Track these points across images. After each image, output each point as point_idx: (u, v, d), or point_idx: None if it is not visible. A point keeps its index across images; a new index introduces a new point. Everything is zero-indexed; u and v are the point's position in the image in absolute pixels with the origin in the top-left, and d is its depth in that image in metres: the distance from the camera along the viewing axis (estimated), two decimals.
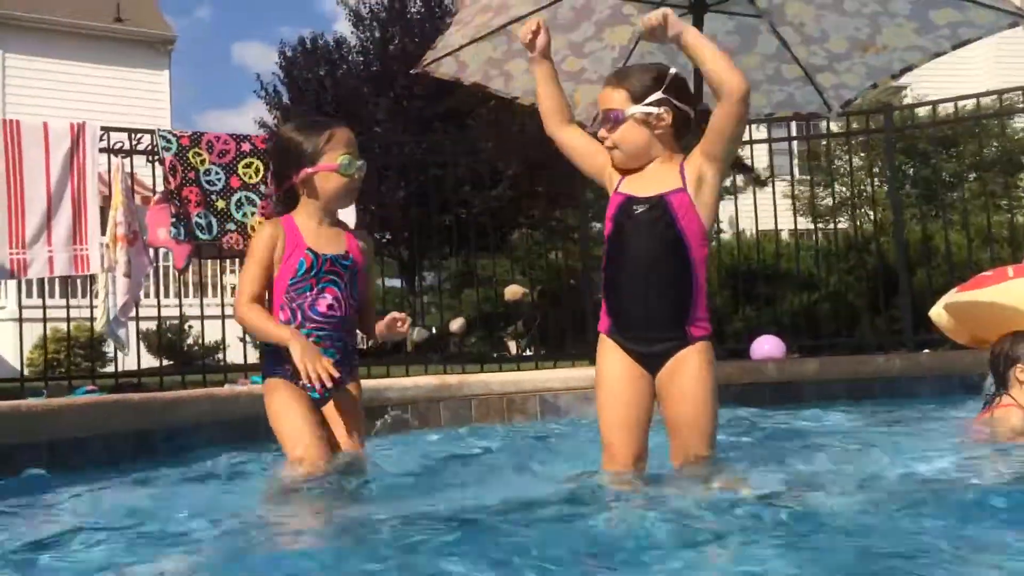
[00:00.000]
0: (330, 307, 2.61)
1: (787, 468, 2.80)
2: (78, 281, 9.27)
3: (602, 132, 2.60)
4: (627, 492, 2.35)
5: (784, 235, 8.75)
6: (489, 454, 3.53)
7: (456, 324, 8.24)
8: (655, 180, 2.55)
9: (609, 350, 2.59)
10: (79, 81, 18.49)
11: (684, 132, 2.60)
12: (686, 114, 2.57)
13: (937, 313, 6.02)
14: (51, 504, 2.52)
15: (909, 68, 4.80)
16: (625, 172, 2.62)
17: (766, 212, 7.45)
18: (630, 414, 2.54)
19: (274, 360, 2.65)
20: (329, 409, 2.69)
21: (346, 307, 2.65)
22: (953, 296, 5.80)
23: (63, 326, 9.96)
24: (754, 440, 3.59)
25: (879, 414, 4.51)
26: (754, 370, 5.80)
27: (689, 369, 2.50)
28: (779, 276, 7.84)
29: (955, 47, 4.55)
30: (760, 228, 7.89)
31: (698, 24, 4.57)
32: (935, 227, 8.18)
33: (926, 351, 6.66)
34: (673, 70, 2.59)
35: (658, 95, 2.52)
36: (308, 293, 2.59)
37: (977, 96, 6.76)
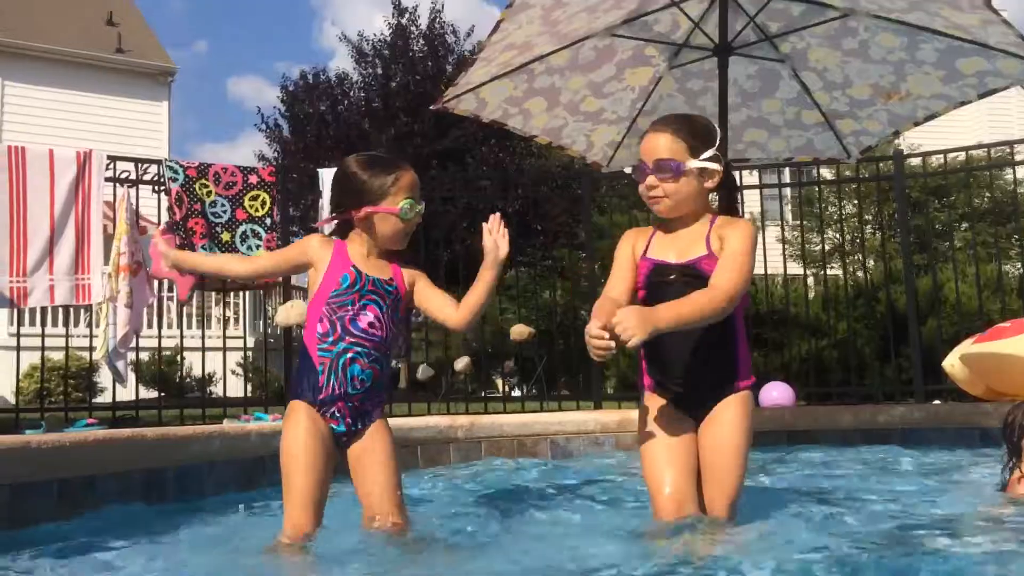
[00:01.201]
0: (371, 324, 2.55)
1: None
2: (72, 310, 9.12)
3: (652, 180, 2.53)
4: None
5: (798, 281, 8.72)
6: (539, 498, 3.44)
7: (461, 363, 8.12)
8: (684, 245, 2.55)
9: (653, 403, 2.58)
10: (78, 111, 18.45)
11: (719, 189, 2.60)
12: (728, 172, 2.60)
13: (951, 364, 5.97)
14: (61, 553, 2.39)
15: (933, 116, 4.78)
16: (658, 230, 2.61)
17: (774, 257, 7.38)
18: (676, 467, 2.51)
19: (305, 377, 2.55)
20: (360, 454, 2.56)
21: (386, 329, 2.57)
22: (969, 347, 5.74)
23: (54, 355, 9.81)
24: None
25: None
26: (771, 418, 5.72)
27: (726, 420, 2.50)
28: (787, 321, 7.78)
29: (981, 96, 4.53)
30: (768, 272, 7.84)
31: (723, 67, 4.55)
32: (944, 276, 8.15)
33: (936, 402, 6.59)
34: (717, 128, 2.61)
35: (713, 151, 2.53)
36: (350, 308, 2.53)
37: (989, 146, 6.77)
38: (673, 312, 2.32)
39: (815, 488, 3.62)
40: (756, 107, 5.14)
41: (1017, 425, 3.17)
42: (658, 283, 2.54)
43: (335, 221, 2.66)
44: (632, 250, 2.63)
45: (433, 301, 2.66)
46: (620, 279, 2.63)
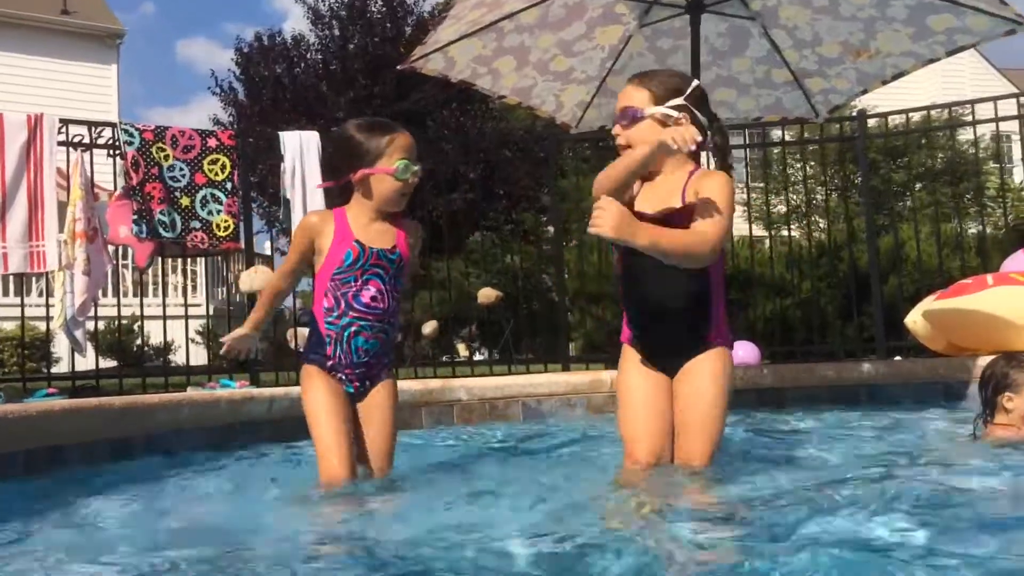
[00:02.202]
0: (373, 299, 2.66)
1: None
2: (24, 279, 8.85)
3: (616, 129, 2.58)
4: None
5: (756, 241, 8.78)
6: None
7: (429, 327, 8.06)
8: (661, 195, 2.55)
9: (630, 358, 2.65)
10: (23, 74, 17.84)
11: (700, 146, 2.57)
12: (702, 127, 2.58)
13: (913, 320, 6.07)
14: (31, 520, 2.32)
15: (901, 74, 4.78)
16: (644, 182, 2.61)
17: (738, 219, 7.38)
18: (651, 417, 2.57)
19: (315, 346, 2.69)
20: (363, 407, 2.71)
21: (389, 299, 2.69)
22: (932, 303, 5.84)
23: (6, 325, 9.58)
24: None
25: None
26: (739, 376, 5.77)
27: (703, 373, 2.55)
28: (752, 282, 7.84)
29: (949, 53, 4.54)
30: (733, 234, 7.88)
31: (695, 24, 4.50)
32: (906, 234, 8.26)
33: (898, 358, 6.71)
34: (696, 82, 2.63)
35: (679, 100, 2.54)
36: (353, 284, 2.64)
37: (948, 106, 6.84)
38: (654, 234, 2.30)
39: (790, 442, 3.65)
40: (726, 66, 5.10)
41: (994, 380, 3.22)
42: None
43: (332, 186, 2.74)
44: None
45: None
46: None
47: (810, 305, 7.64)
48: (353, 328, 2.63)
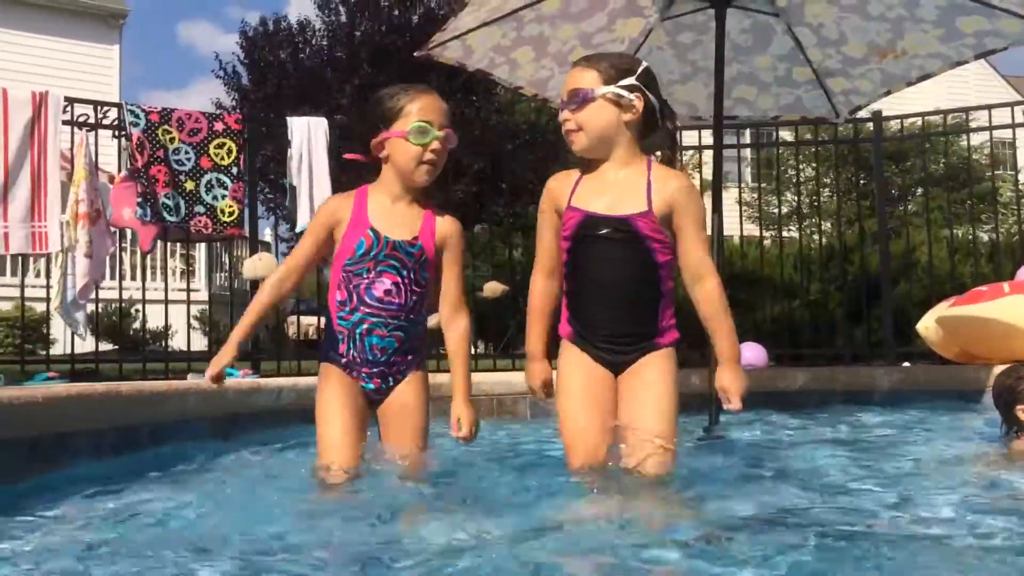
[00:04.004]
0: (387, 292, 2.41)
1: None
2: (20, 259, 8.73)
3: (565, 113, 2.45)
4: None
5: (766, 242, 8.71)
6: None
7: (433, 320, 7.93)
8: (616, 194, 2.42)
9: (573, 354, 2.51)
10: (26, 52, 17.66)
11: (649, 132, 2.49)
12: (653, 111, 2.47)
13: (925, 326, 6.01)
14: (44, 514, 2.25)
15: (927, 76, 4.69)
16: (583, 173, 2.47)
17: (748, 220, 7.29)
18: (593, 418, 2.46)
19: (329, 344, 2.48)
20: (388, 409, 2.48)
21: (407, 294, 2.43)
22: (946, 310, 5.78)
23: (3, 306, 9.47)
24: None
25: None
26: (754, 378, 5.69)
27: (649, 375, 2.45)
28: (760, 282, 7.76)
29: (978, 57, 4.45)
30: (745, 233, 7.79)
31: (720, 19, 4.40)
32: (918, 239, 8.19)
33: (906, 364, 6.64)
34: (645, 64, 2.52)
35: (631, 80, 2.42)
36: (365, 276, 2.40)
37: (966, 110, 6.77)
38: (732, 344, 2.45)
39: (793, 451, 3.52)
40: (747, 63, 5.01)
41: (1005, 394, 3.13)
42: (587, 237, 2.40)
43: (358, 158, 2.49)
44: (554, 205, 2.48)
45: (442, 284, 2.51)
46: (548, 254, 2.51)
47: (817, 307, 7.56)
48: (365, 325, 2.39)
